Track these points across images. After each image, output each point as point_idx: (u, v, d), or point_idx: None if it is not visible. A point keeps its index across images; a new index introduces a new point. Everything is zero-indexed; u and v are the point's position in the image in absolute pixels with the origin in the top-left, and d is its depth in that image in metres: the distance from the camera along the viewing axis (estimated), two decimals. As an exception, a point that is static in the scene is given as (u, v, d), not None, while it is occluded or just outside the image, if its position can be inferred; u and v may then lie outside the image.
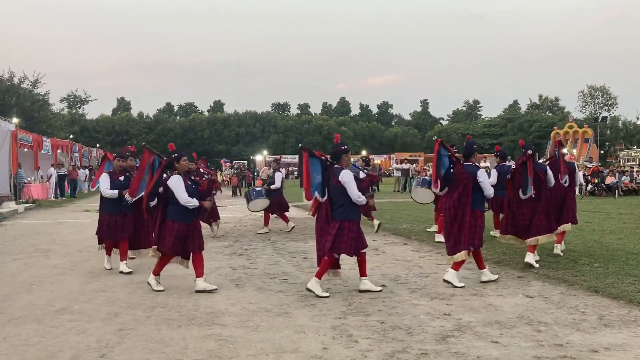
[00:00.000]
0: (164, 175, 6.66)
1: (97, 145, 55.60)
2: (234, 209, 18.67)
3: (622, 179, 24.68)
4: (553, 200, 8.15)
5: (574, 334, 4.74)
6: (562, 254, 8.29)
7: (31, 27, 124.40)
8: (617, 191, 22.93)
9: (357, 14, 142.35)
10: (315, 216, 6.72)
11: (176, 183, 6.47)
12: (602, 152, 55.87)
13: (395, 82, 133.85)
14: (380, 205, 19.45)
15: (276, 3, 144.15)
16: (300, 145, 6.82)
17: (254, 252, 9.53)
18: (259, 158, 57.46)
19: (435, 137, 6.97)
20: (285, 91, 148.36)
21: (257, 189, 12.69)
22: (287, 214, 12.58)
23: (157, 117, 79.85)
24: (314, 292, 6.19)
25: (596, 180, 24.39)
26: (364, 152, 61.04)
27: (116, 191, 7.70)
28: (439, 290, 6.47)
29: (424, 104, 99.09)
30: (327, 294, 6.21)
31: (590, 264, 7.52)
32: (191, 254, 6.63)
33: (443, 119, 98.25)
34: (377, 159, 53.72)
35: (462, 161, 6.98)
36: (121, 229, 7.80)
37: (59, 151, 30.27)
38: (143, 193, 6.85)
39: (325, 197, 6.46)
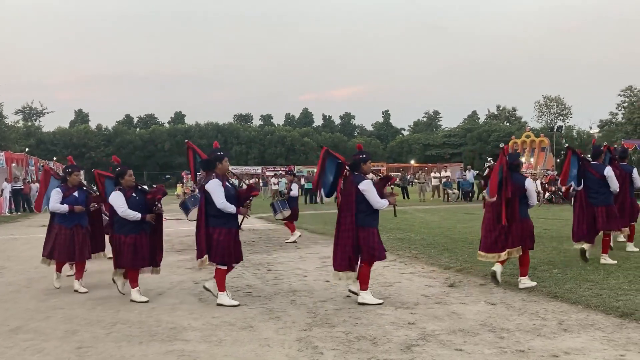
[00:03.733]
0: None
1: (54, 158, 54.25)
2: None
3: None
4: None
5: (535, 340, 4.82)
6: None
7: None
8: (573, 199, 23.53)
9: (319, 26, 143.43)
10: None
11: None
12: (558, 160, 57.49)
13: (357, 94, 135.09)
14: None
15: (238, 14, 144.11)
16: (567, 145, 8.24)
17: (217, 265, 9.38)
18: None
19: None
20: (248, 102, 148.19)
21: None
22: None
23: (116, 129, 78.50)
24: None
25: (553, 188, 25.01)
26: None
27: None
28: (403, 299, 6.50)
29: (386, 114, 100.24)
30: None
31: (550, 270, 7.68)
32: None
33: (404, 129, 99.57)
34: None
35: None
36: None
37: (13, 165, 29.39)
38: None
39: (580, 186, 8.25)
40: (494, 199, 6.75)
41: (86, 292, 7.32)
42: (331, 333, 5.20)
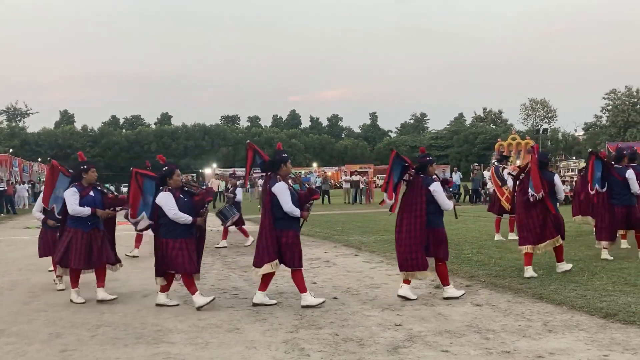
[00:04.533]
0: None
1: (39, 159, 53.75)
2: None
3: (563, 189, 25.56)
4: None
5: (520, 341, 4.85)
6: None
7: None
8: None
9: (306, 28, 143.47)
10: None
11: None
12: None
13: (345, 96, 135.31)
14: (332, 217, 19.49)
15: (226, 15, 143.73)
16: (590, 150, 8.88)
17: (203, 267, 9.28)
18: (207, 171, 56.79)
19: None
20: (235, 104, 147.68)
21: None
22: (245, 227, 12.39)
23: (102, 130, 77.96)
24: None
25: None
26: (314, 164, 61.13)
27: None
28: (390, 301, 6.51)
29: (373, 116, 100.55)
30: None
31: (535, 271, 7.73)
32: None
33: (391, 131, 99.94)
34: (329, 171, 54.04)
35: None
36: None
37: (-3, 166, 29.10)
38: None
39: (604, 188, 8.73)
40: (541, 194, 7.41)
41: (115, 298, 6.81)
42: (318, 335, 5.19)
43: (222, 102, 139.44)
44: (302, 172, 47.32)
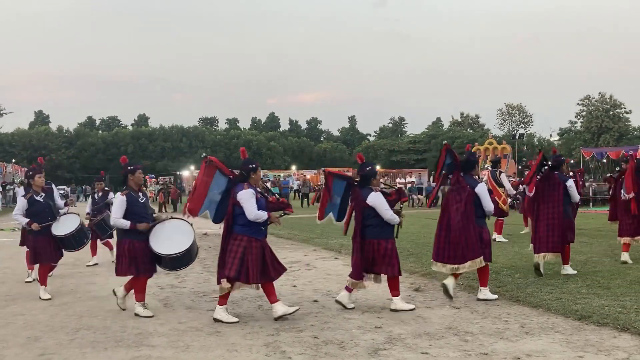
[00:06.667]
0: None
1: (13, 160, 52.74)
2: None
3: None
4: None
5: (498, 343, 4.94)
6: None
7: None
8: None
9: (285, 31, 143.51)
10: None
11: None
12: (520, 167, 58.84)
13: (324, 99, 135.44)
14: (311, 220, 19.53)
15: (203, 17, 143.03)
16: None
17: (182, 271, 9.29)
18: (185, 173, 56.34)
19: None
20: (213, 106, 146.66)
21: None
22: None
23: (78, 131, 76.77)
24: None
25: (514, 193, 25.54)
26: (293, 167, 61.21)
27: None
28: (369, 303, 6.57)
29: (352, 120, 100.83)
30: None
31: (512, 275, 7.87)
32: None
33: (370, 135, 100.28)
34: (308, 174, 54.08)
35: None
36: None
37: (-30, 167, 28.55)
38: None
39: None
40: (631, 195, 8.41)
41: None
42: (299, 337, 5.22)
43: (200, 104, 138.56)
44: (281, 175, 47.25)
